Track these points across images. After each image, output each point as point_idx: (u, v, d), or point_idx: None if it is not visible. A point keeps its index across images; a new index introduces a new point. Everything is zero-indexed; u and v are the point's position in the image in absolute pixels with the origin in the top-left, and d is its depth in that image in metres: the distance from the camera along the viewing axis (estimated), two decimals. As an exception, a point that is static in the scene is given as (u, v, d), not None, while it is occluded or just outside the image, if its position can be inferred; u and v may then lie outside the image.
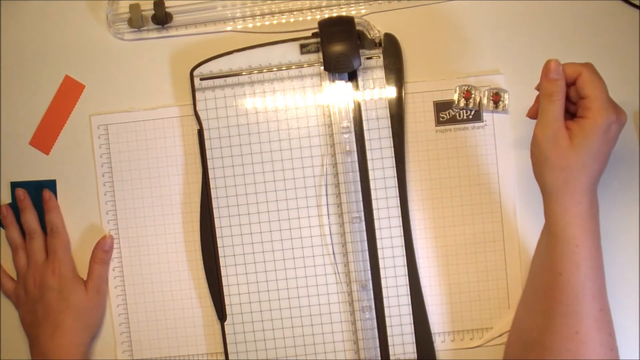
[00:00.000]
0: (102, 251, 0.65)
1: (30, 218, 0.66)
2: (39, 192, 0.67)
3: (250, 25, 0.66)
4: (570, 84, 0.55)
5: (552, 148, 0.53)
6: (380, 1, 0.65)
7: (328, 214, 0.64)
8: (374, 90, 0.64)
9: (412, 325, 0.63)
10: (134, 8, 0.65)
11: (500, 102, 0.64)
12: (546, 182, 0.55)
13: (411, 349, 0.63)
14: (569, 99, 0.55)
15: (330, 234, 0.64)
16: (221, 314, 0.64)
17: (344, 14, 0.65)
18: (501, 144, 0.64)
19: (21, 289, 0.65)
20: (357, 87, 0.64)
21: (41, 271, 0.64)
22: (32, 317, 0.64)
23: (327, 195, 0.64)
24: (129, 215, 0.66)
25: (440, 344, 0.64)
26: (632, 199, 0.64)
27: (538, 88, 0.56)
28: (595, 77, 0.53)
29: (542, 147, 0.54)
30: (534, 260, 0.59)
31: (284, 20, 0.66)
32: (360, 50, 0.63)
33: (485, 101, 0.64)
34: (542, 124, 0.54)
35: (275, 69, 0.64)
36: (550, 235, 0.55)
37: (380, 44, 0.64)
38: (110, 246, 0.66)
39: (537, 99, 0.56)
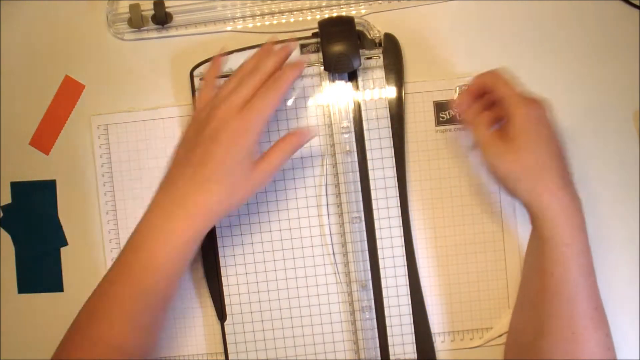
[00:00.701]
0: (297, 139, 0.57)
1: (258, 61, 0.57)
2: (39, 192, 0.67)
3: (250, 25, 0.66)
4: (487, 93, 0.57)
5: (505, 163, 0.54)
6: (380, 1, 0.65)
7: (328, 214, 0.64)
8: (374, 90, 0.64)
9: (412, 325, 0.63)
10: (134, 8, 0.65)
11: (500, 102, 0.64)
12: (521, 193, 0.54)
13: (411, 349, 0.63)
14: (495, 107, 0.57)
15: (330, 234, 0.64)
16: (221, 314, 0.64)
17: (344, 14, 0.65)
18: (501, 144, 0.64)
19: (200, 110, 0.57)
20: (357, 87, 0.64)
21: (228, 115, 0.54)
22: (184, 155, 0.55)
23: (327, 195, 0.64)
24: (129, 215, 0.66)
25: (440, 344, 0.64)
26: (632, 199, 0.64)
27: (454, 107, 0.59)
28: (501, 78, 0.55)
29: (498, 169, 0.55)
30: (524, 265, 0.59)
31: (284, 20, 0.66)
32: (360, 50, 0.63)
33: (485, 101, 0.64)
34: (483, 151, 0.55)
35: (275, 69, 0.64)
36: (539, 239, 0.54)
37: (380, 44, 0.64)
38: (307, 139, 0.57)
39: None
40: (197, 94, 0.59)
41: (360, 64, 0.62)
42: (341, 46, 0.61)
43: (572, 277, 0.53)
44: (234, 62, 0.65)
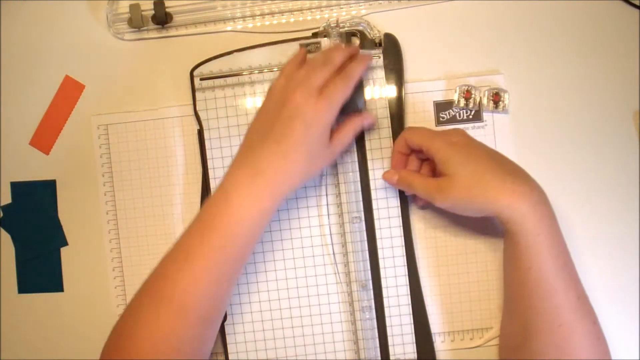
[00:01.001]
0: (362, 121, 0.61)
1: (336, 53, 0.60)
2: (39, 192, 0.67)
3: (250, 25, 0.66)
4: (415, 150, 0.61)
5: (450, 196, 0.55)
6: (380, 1, 0.65)
7: (328, 214, 0.64)
8: (374, 90, 0.64)
9: (412, 325, 0.63)
10: (134, 8, 0.65)
11: (500, 102, 0.64)
12: (481, 210, 0.55)
13: (411, 349, 0.63)
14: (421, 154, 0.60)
15: (330, 234, 0.64)
16: (221, 314, 0.64)
17: (344, 14, 0.65)
18: (501, 144, 0.64)
19: (278, 90, 0.59)
20: (357, 87, 0.64)
21: (308, 98, 0.57)
22: (265, 129, 0.57)
23: (327, 195, 0.64)
24: (129, 215, 0.66)
25: (440, 344, 0.64)
26: (632, 199, 0.64)
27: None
28: (411, 131, 0.60)
29: (451, 204, 0.56)
30: (504, 269, 0.59)
31: (284, 20, 0.66)
32: (361, 50, 0.63)
33: (485, 101, 0.64)
34: (431, 200, 0.57)
35: (276, 69, 0.64)
36: (511, 238, 0.55)
37: (380, 44, 0.64)
38: (370, 123, 0.63)
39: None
40: (276, 79, 0.61)
41: (364, 105, 0.62)
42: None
43: (548, 268, 0.53)
44: (234, 62, 0.65)
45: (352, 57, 0.61)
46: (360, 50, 0.63)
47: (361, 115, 0.62)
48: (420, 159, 0.62)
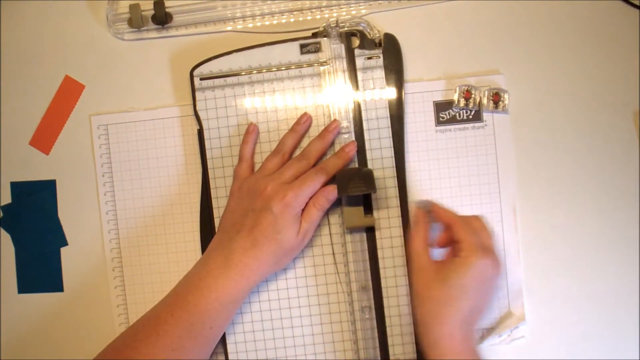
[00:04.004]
0: (326, 199, 0.61)
1: (315, 145, 0.63)
2: (39, 192, 0.67)
3: (250, 25, 0.66)
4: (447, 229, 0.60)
5: (418, 279, 0.58)
6: (380, 1, 0.65)
7: (328, 214, 0.64)
8: (374, 90, 0.64)
9: (412, 325, 0.63)
10: (134, 8, 0.65)
11: (500, 102, 0.64)
12: (417, 312, 0.57)
13: (411, 349, 0.63)
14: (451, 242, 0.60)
15: (330, 234, 0.64)
16: (221, 314, 0.64)
17: (344, 14, 0.65)
18: (501, 144, 0.64)
19: (251, 184, 0.62)
20: (357, 87, 0.64)
21: (277, 190, 0.60)
22: (238, 219, 0.61)
23: (327, 195, 0.64)
24: (128, 215, 0.67)
25: (440, 344, 0.64)
26: (632, 199, 0.64)
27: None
28: (467, 225, 0.58)
29: (411, 280, 0.59)
30: None
31: (284, 20, 0.66)
32: (360, 50, 0.63)
33: (485, 101, 0.64)
34: (410, 260, 0.59)
35: (275, 69, 0.65)
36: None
37: (380, 44, 0.64)
38: (334, 198, 0.61)
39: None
40: (236, 166, 0.64)
41: (375, 190, 0.61)
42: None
43: None
44: (234, 62, 0.65)
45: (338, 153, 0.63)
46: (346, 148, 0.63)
47: (322, 191, 0.61)
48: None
